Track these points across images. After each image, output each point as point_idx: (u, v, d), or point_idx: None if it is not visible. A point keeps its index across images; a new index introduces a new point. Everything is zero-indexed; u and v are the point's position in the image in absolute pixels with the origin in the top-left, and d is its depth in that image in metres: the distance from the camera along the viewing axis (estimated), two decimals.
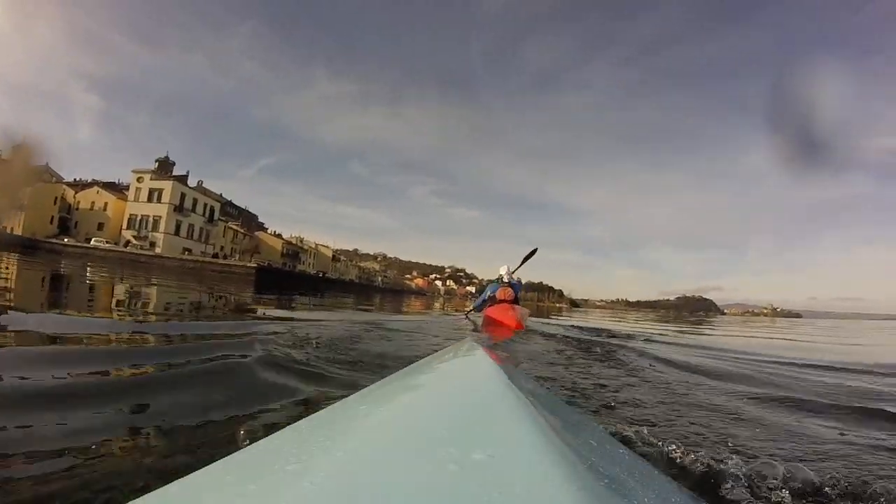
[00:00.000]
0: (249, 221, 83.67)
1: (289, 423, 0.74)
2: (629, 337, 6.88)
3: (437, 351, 2.04)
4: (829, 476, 1.31)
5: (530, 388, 1.18)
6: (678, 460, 1.35)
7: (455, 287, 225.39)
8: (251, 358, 2.50)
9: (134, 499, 0.46)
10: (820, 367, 4.36)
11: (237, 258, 51.72)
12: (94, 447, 1.29)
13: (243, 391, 1.98)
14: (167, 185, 50.45)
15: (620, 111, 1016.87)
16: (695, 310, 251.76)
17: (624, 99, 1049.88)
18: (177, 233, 50.77)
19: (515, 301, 8.17)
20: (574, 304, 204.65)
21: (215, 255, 49.52)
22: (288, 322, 5.32)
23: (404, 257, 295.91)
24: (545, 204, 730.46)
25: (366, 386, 1.13)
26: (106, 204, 51.35)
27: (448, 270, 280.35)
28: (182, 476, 0.52)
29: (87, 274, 12.37)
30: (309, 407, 1.71)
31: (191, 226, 53.18)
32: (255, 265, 40.51)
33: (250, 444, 0.65)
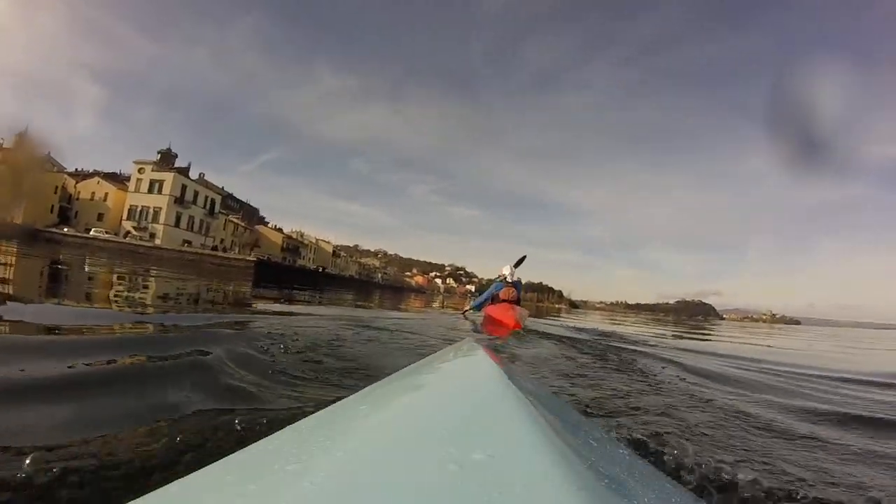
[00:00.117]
0: (250, 215, 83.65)
1: (288, 424, 0.74)
2: (641, 343, 6.61)
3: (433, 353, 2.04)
4: None
5: (530, 388, 1.15)
6: None
7: (455, 285, 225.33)
8: (196, 359, 2.28)
9: (134, 499, 0.46)
10: (862, 381, 4.21)
11: (237, 251, 51.54)
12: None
13: (151, 400, 1.71)
14: (168, 177, 50.39)
15: (620, 111, 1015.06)
16: (693, 314, 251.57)
17: (624, 99, 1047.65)
18: (177, 224, 50.70)
19: (517, 301, 8.20)
20: (573, 305, 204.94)
21: (214, 248, 49.43)
22: (276, 317, 5.20)
23: (404, 254, 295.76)
24: (545, 203, 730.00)
25: (365, 386, 1.12)
26: (106, 194, 51.26)
27: (448, 269, 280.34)
28: (182, 476, 0.52)
29: (86, 266, 12.27)
30: (309, 407, 1.69)
31: (191, 218, 53.09)
32: (254, 259, 40.44)
33: (250, 444, 0.64)
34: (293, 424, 0.74)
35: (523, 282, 8.65)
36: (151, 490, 0.49)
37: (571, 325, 10.54)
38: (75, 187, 51.52)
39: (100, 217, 49.77)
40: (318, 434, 0.69)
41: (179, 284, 9.84)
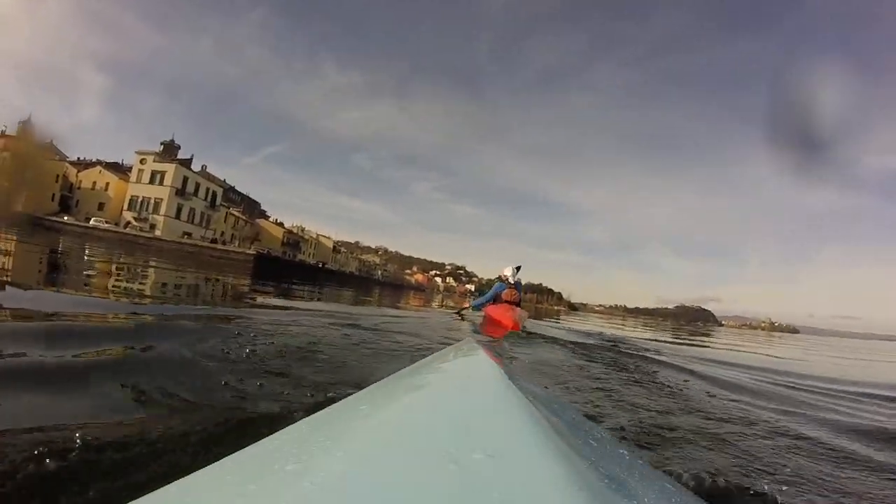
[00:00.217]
0: (252, 208, 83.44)
1: (289, 424, 0.74)
2: (653, 351, 6.29)
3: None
4: None
5: (530, 388, 1.14)
6: None
7: (454, 284, 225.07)
8: (132, 355, 2.11)
9: (134, 499, 0.46)
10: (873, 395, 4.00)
11: (237, 244, 51.43)
12: None
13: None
14: (170, 168, 50.20)
15: (624, 112, 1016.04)
16: (692, 319, 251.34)
17: (628, 100, 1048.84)
18: (177, 216, 50.55)
19: (518, 303, 8.18)
20: (572, 307, 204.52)
21: (214, 241, 49.18)
22: (265, 312, 4.92)
23: (405, 252, 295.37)
24: (546, 202, 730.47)
25: (365, 386, 1.09)
26: (108, 184, 51.14)
27: (448, 267, 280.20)
28: (182, 476, 0.52)
29: (85, 256, 12.10)
30: (309, 407, 1.63)
31: (192, 210, 52.93)
32: (253, 252, 40.25)
33: (250, 444, 0.64)
34: (293, 424, 0.74)
35: (523, 282, 8.61)
36: (151, 490, 0.49)
37: (576, 328, 10.32)
38: (77, 176, 51.39)
39: (101, 207, 49.63)
40: (318, 434, 0.69)
41: (173, 276, 9.65)
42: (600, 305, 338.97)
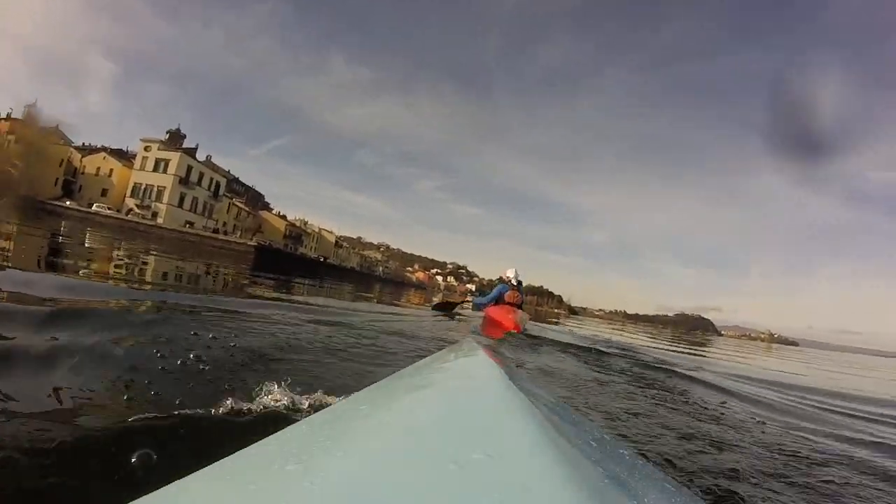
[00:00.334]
0: (255, 200, 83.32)
1: (289, 424, 0.74)
2: (672, 364, 5.82)
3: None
4: None
5: (530, 388, 1.13)
6: None
7: (455, 283, 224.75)
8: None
9: (134, 499, 0.46)
10: None
11: (239, 235, 51.28)
12: None
13: None
14: (174, 157, 50.05)
15: (631, 118, 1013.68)
16: (692, 328, 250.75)
17: (635, 106, 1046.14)
18: (180, 205, 50.40)
19: (520, 305, 8.14)
20: (572, 311, 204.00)
21: (216, 231, 49.07)
22: (251, 306, 4.60)
23: (407, 249, 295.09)
24: (549, 205, 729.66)
25: (366, 386, 1.07)
26: (111, 170, 50.98)
27: (450, 266, 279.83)
28: (181, 476, 0.52)
29: (86, 241, 11.96)
30: (309, 408, 1.57)
31: (195, 199, 52.78)
32: (254, 244, 40.12)
33: (250, 444, 0.64)
34: (293, 425, 0.74)
35: (524, 285, 8.57)
36: (151, 491, 0.49)
37: (581, 333, 10.09)
38: (81, 161, 51.30)
39: (104, 193, 49.48)
40: (318, 434, 0.69)
41: (168, 264, 9.47)
42: (600, 310, 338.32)
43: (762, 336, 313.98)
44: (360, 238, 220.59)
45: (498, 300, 8.15)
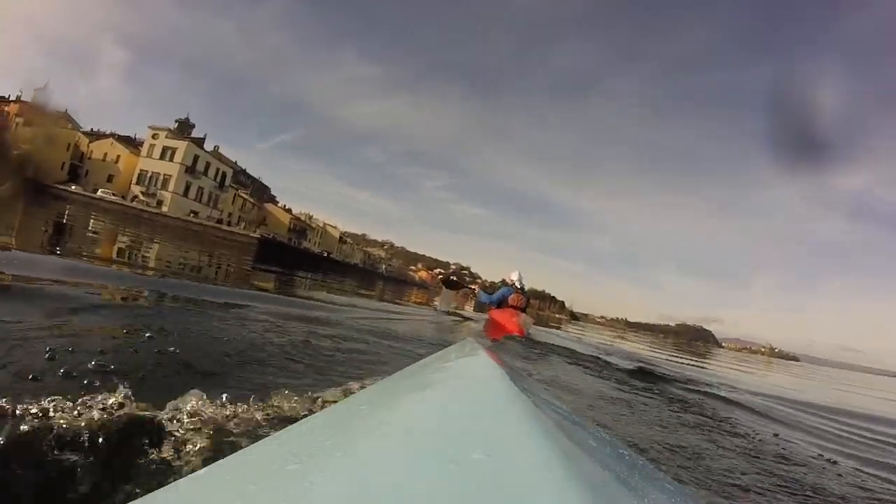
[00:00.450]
0: (261, 193, 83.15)
1: (289, 424, 0.74)
2: (697, 381, 5.32)
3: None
4: None
5: (531, 388, 1.13)
6: None
7: None
8: None
9: (134, 499, 0.46)
10: None
11: (243, 227, 51.11)
12: None
13: None
14: (181, 145, 49.87)
15: (640, 126, 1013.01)
16: (693, 339, 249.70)
17: (645, 114, 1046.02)
18: (185, 194, 50.23)
19: (524, 309, 8.10)
20: (574, 316, 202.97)
21: (219, 221, 48.92)
22: (235, 299, 4.32)
23: (411, 248, 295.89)
24: (555, 210, 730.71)
25: (366, 386, 1.11)
26: (118, 156, 50.86)
27: (453, 266, 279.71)
28: (181, 477, 0.51)
29: (90, 226, 11.79)
30: (309, 408, 1.50)
31: (200, 188, 52.61)
32: (258, 236, 39.94)
33: (250, 444, 0.64)
34: (293, 425, 0.74)
35: (526, 288, 8.57)
36: (151, 491, 0.49)
37: (588, 341, 9.75)
38: (88, 146, 51.19)
39: (110, 178, 49.37)
40: (318, 434, 0.69)
41: (167, 252, 9.20)
42: (602, 317, 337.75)
43: (763, 350, 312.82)
44: (364, 235, 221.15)
45: (501, 303, 8.11)
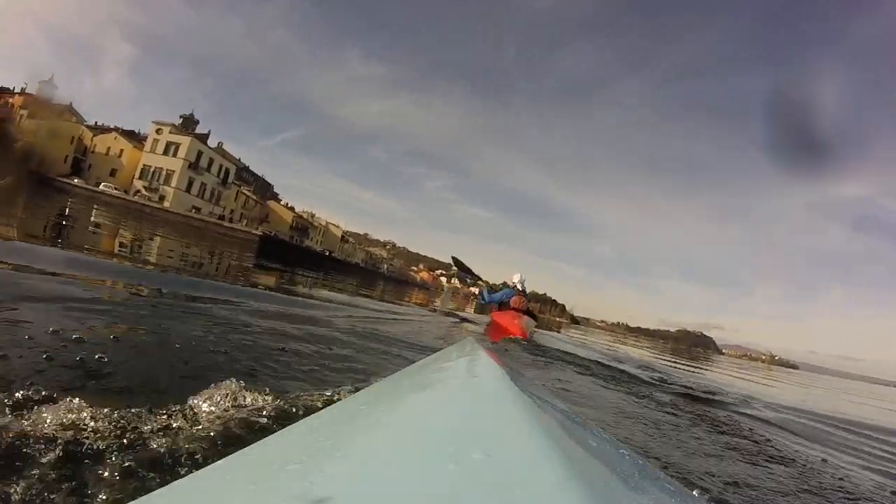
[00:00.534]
0: (264, 190, 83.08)
1: (289, 424, 0.74)
2: (724, 395, 5.02)
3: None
4: None
5: (531, 388, 1.10)
6: None
7: (459, 286, 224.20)
8: None
9: (134, 499, 0.46)
10: None
11: (245, 224, 51.04)
12: None
13: None
14: (185, 141, 49.86)
15: (645, 132, 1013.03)
16: (693, 345, 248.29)
17: (651, 120, 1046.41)
18: (188, 189, 50.19)
19: (526, 312, 8.06)
20: (574, 320, 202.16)
21: (221, 217, 48.83)
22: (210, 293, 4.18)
23: (413, 248, 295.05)
24: (557, 213, 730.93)
25: (366, 386, 1.07)
26: (122, 151, 50.86)
27: (454, 269, 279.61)
28: (182, 477, 0.51)
29: (91, 220, 11.73)
30: (309, 407, 1.46)
31: (203, 185, 52.57)
32: (259, 233, 39.86)
33: (250, 444, 0.64)
34: (293, 424, 0.74)
35: (528, 291, 8.66)
36: (151, 491, 0.48)
37: (595, 346, 9.56)
38: (92, 140, 51.21)
39: (112, 173, 49.38)
40: (318, 434, 0.69)
41: (169, 246, 9.10)
42: (602, 321, 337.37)
43: (763, 357, 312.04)
44: (366, 234, 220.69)
45: (502, 305, 8.11)
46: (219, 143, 58.80)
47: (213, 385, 1.39)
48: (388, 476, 0.48)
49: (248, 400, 1.40)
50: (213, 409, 1.30)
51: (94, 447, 0.96)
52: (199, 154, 51.43)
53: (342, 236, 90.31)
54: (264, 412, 1.33)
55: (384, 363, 2.83)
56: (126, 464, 0.93)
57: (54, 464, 0.90)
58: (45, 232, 6.50)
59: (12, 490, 0.82)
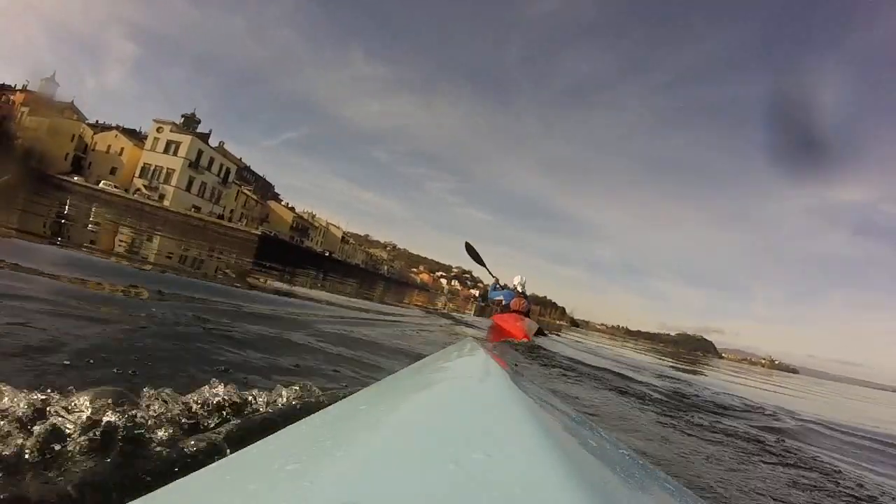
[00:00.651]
0: (265, 190, 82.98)
1: (289, 424, 0.73)
2: (754, 407, 4.73)
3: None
4: None
5: (531, 388, 1.12)
6: None
7: (459, 288, 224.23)
8: None
9: (134, 499, 0.46)
10: None
11: (245, 223, 50.94)
12: None
13: None
14: (185, 140, 49.77)
15: (646, 136, 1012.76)
16: (693, 348, 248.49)
17: (652, 125, 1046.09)
18: (188, 189, 50.10)
19: (527, 313, 8.13)
20: (574, 323, 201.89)
21: (221, 217, 48.72)
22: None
23: (413, 250, 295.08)
24: (559, 217, 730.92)
25: (366, 386, 1.06)
26: (122, 149, 50.79)
27: (455, 270, 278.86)
28: (182, 477, 0.52)
29: (91, 218, 11.64)
30: (309, 407, 1.36)
31: (203, 184, 52.50)
32: (259, 232, 39.76)
33: (250, 444, 0.64)
34: (293, 424, 0.73)
35: (528, 294, 8.62)
36: (151, 490, 0.48)
37: (600, 352, 9.34)
38: (92, 138, 51.20)
39: (113, 171, 49.32)
40: (318, 433, 0.69)
41: (168, 245, 9.00)
42: (602, 324, 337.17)
43: (763, 362, 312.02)
44: (367, 235, 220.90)
45: (505, 307, 8.11)
46: (220, 143, 58.80)
47: (211, 385, 1.29)
48: (388, 476, 0.48)
49: (248, 400, 1.31)
50: (211, 409, 1.22)
51: (91, 448, 0.91)
52: (200, 153, 51.34)
53: (342, 237, 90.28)
54: (264, 412, 1.28)
55: (385, 364, 2.75)
56: (124, 464, 0.90)
57: (53, 464, 0.86)
58: (44, 229, 6.49)
59: (12, 490, 0.80)
